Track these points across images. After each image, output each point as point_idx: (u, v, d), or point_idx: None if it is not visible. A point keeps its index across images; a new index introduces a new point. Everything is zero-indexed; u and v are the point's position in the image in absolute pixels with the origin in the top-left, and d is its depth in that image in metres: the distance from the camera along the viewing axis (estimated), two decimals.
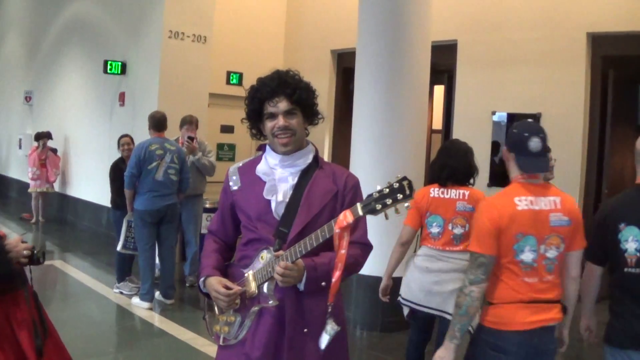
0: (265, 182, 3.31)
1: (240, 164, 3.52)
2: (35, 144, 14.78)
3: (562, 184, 9.04)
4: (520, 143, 3.86)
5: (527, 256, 3.73)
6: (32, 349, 3.57)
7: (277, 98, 3.25)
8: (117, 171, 9.15)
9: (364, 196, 3.03)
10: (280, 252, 3.11)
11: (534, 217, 3.74)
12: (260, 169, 3.37)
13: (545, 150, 3.87)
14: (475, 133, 10.42)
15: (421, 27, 7.75)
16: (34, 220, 14.70)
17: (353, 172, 7.67)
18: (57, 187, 15.06)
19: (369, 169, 7.65)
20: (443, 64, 10.65)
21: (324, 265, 3.14)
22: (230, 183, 3.44)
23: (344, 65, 12.78)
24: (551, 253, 3.77)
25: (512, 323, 3.73)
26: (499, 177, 10.29)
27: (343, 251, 2.96)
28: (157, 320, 7.91)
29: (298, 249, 3.04)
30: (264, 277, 3.18)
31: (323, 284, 3.14)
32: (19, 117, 18.06)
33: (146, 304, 8.26)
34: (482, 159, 10.30)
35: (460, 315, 3.77)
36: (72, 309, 8.16)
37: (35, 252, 3.70)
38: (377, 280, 7.55)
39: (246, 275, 3.27)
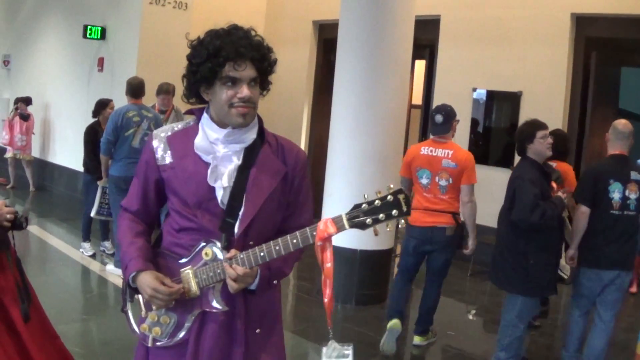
0: (205, 163, 2.77)
1: (169, 132, 2.91)
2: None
3: None
4: (431, 118, 6.53)
5: (424, 181, 6.37)
6: (18, 313, 3.52)
7: (243, 62, 2.69)
8: (91, 134, 9.10)
9: (350, 205, 2.62)
10: (233, 252, 2.66)
11: (431, 159, 6.32)
12: (200, 144, 2.79)
13: (445, 121, 6.39)
14: (455, 109, 10.41)
15: (405, 1, 7.69)
16: (10, 185, 14.57)
17: (332, 146, 7.79)
18: (36, 153, 14.89)
19: (348, 143, 7.63)
20: (425, 38, 10.61)
21: (275, 262, 2.72)
22: (157, 155, 2.85)
23: (325, 37, 12.71)
24: (442, 182, 6.29)
25: (415, 221, 6.31)
26: (476, 153, 10.33)
27: (329, 264, 2.57)
28: None
29: (260, 254, 2.62)
30: (209, 278, 2.72)
31: (275, 282, 2.84)
32: None
33: (120, 271, 8.18)
34: (461, 136, 10.35)
35: None
36: (46, 275, 8.10)
37: (18, 216, 3.64)
38: (352, 252, 7.58)
39: (185, 272, 2.77)
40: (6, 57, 17.00)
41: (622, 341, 7.23)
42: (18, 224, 3.65)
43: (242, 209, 2.73)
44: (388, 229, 2.49)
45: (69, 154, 13.69)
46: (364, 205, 2.47)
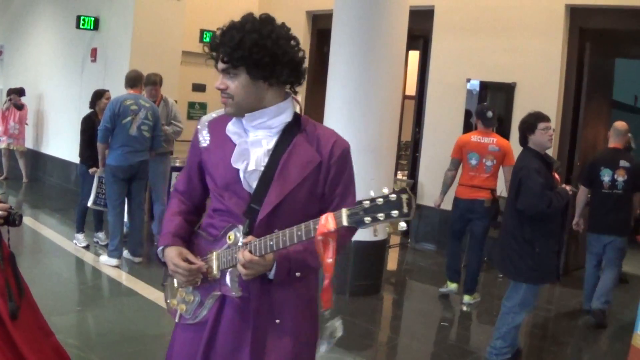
0: (234, 145, 2.82)
1: (213, 115, 3.02)
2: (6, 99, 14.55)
3: None
4: (482, 113, 8.01)
5: (473, 162, 7.86)
6: (6, 311, 3.49)
7: (219, 55, 2.76)
8: (88, 124, 9.06)
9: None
10: (250, 238, 2.66)
11: (479, 145, 7.86)
12: (232, 128, 2.86)
13: (493, 117, 7.95)
14: (449, 100, 10.44)
15: None
16: (3, 176, 14.53)
17: None
18: (29, 143, 14.85)
19: (342, 133, 7.54)
20: (419, 29, 10.58)
21: (298, 253, 2.71)
22: (200, 138, 2.96)
23: (319, 27, 12.70)
24: (488, 163, 7.79)
25: (461, 194, 7.96)
26: None
27: (330, 260, 2.46)
28: (125, 278, 7.86)
29: (269, 243, 2.58)
30: (228, 261, 2.76)
31: (297, 274, 2.76)
32: None
33: (114, 261, 8.20)
34: (455, 127, 10.35)
35: (443, 184, 8.28)
36: (40, 266, 8.08)
37: (12, 212, 3.60)
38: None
39: (209, 254, 2.85)
40: None
41: (616, 332, 7.27)
42: (11, 220, 3.61)
43: (267, 195, 2.74)
44: (388, 230, 2.43)
45: (62, 144, 13.67)
46: (365, 202, 2.36)
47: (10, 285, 3.54)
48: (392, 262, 10.08)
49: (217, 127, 2.93)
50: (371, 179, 7.30)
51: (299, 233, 2.52)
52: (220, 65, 2.75)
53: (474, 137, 7.96)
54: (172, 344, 3.06)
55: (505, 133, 9.96)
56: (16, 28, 15.94)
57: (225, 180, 2.82)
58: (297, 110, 2.90)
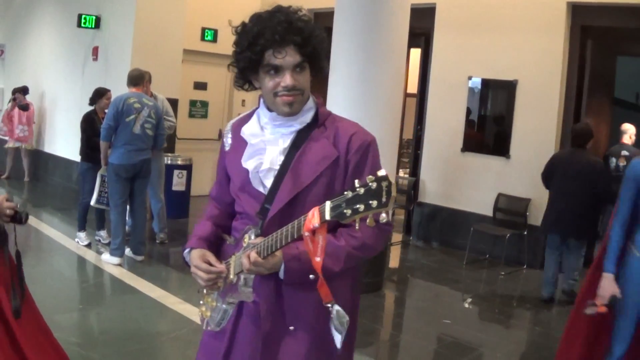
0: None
1: (236, 119, 2.89)
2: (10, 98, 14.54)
3: (536, 151, 9.10)
4: None
5: None
6: (9, 309, 3.50)
7: (284, 48, 2.52)
8: (88, 122, 9.08)
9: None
10: (259, 240, 2.50)
11: None
12: (248, 128, 2.74)
13: None
14: (451, 98, 10.43)
15: None
16: (5, 175, 14.53)
17: None
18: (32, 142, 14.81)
19: None
20: (421, 27, 10.57)
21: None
22: (224, 142, 2.85)
23: (321, 25, 12.66)
24: None
25: None
26: (471, 141, 10.32)
27: (318, 259, 2.24)
28: (127, 276, 7.86)
29: (270, 243, 2.43)
30: (240, 265, 2.58)
31: (312, 277, 2.42)
32: None
33: (116, 260, 8.20)
34: (457, 125, 10.34)
35: None
36: (42, 265, 8.09)
37: (19, 211, 3.63)
38: None
39: (230, 258, 2.69)
40: (0, 46, 16.92)
41: None
42: (18, 218, 3.64)
43: (277, 193, 2.59)
44: (368, 223, 2.16)
45: (63, 143, 13.67)
46: (347, 192, 2.10)
47: (14, 284, 3.55)
48: (394, 259, 10.09)
49: (237, 129, 2.80)
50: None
51: (292, 230, 2.33)
52: (292, 60, 2.55)
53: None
54: (198, 351, 2.95)
55: (506, 130, 9.97)
56: (17, 27, 15.93)
57: (241, 180, 2.71)
58: (315, 107, 2.74)
